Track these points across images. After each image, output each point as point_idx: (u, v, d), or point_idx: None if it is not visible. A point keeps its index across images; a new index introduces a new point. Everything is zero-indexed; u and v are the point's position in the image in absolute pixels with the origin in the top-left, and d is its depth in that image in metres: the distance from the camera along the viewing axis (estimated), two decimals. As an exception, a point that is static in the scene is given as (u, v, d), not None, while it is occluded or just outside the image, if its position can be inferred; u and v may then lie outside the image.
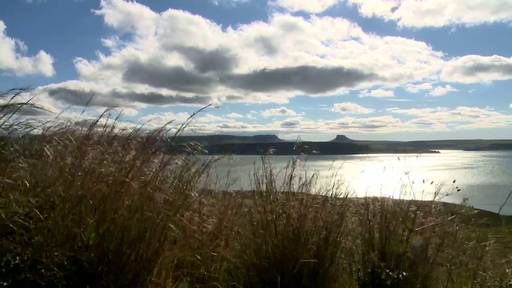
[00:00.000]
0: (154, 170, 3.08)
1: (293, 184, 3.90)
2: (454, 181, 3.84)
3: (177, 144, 3.25)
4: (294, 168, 3.88)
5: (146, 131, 3.44)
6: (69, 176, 2.72)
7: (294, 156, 3.90)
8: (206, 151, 3.41)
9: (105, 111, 3.40)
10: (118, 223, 2.66)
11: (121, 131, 3.60)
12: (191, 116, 3.15)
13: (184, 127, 3.15)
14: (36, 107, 2.84)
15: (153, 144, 3.26)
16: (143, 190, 2.82)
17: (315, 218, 3.67)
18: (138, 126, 3.55)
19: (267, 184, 3.82)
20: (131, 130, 3.58)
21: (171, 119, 3.25)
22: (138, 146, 3.21)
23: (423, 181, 3.81)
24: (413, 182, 3.78)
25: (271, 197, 3.75)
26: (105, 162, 2.92)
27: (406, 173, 3.81)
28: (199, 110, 3.21)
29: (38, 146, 2.94)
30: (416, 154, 4.40)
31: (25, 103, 2.83)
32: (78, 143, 3.03)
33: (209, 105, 3.30)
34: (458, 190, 3.81)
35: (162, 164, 3.09)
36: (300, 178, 3.93)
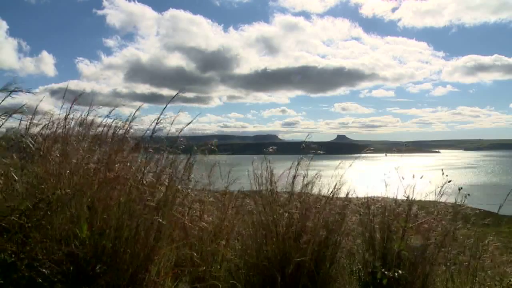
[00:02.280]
0: (144, 167, 3.08)
1: (294, 184, 3.89)
2: (449, 181, 3.83)
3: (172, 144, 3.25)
4: (297, 168, 3.87)
5: (143, 130, 3.44)
6: (60, 174, 2.72)
7: (300, 156, 3.89)
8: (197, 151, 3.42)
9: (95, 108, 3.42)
10: (111, 221, 2.66)
11: (119, 130, 3.60)
12: (161, 113, 3.19)
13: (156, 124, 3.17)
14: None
15: (145, 142, 3.26)
16: (132, 187, 2.81)
17: (316, 218, 3.66)
18: (137, 126, 3.54)
19: (267, 184, 3.81)
20: (132, 130, 3.58)
21: (171, 119, 3.25)
22: (131, 144, 3.21)
23: (421, 177, 3.83)
24: (402, 178, 3.78)
25: (272, 197, 3.74)
26: (94, 159, 2.91)
27: (396, 168, 3.82)
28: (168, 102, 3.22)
29: (36, 145, 2.95)
30: (416, 154, 4.38)
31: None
32: (75, 142, 3.03)
33: (179, 92, 3.32)
34: (449, 181, 3.81)
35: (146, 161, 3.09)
36: (303, 177, 3.92)
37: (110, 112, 3.55)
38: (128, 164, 3.01)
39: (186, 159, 3.41)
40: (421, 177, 3.85)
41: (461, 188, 3.93)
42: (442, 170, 3.75)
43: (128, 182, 2.82)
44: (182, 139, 3.29)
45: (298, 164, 3.85)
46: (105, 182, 2.72)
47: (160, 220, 2.80)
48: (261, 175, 3.82)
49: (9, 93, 2.80)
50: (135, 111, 3.35)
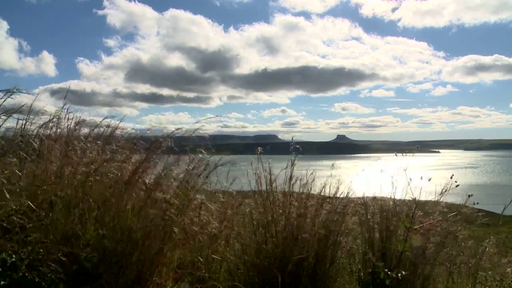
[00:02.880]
0: (158, 171, 3.07)
1: (292, 184, 3.88)
2: (457, 185, 3.82)
3: (182, 145, 3.24)
4: (293, 168, 3.86)
5: (148, 131, 3.44)
6: (62, 174, 2.71)
7: (292, 157, 3.88)
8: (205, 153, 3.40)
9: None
10: (122, 224, 2.65)
11: (121, 131, 3.59)
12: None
13: (193, 133, 3.17)
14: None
15: (156, 145, 3.24)
16: (147, 192, 2.81)
17: (315, 218, 3.66)
18: (140, 126, 3.53)
19: (266, 184, 3.80)
20: (133, 130, 3.58)
21: (171, 118, 3.24)
22: (141, 147, 3.20)
23: (429, 179, 3.82)
24: (410, 179, 3.77)
25: (271, 197, 3.74)
26: (105, 164, 2.90)
27: (404, 170, 3.81)
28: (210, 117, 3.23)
29: (35, 145, 2.93)
30: (414, 154, 4.36)
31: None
32: (79, 143, 3.02)
33: (216, 116, 3.32)
34: (457, 185, 3.80)
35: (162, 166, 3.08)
36: (300, 178, 3.91)
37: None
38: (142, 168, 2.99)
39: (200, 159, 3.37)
40: (429, 180, 3.83)
41: (458, 184, 3.90)
42: (451, 176, 3.73)
43: (142, 184, 2.82)
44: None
45: (293, 164, 3.85)
46: (119, 183, 2.71)
47: (176, 229, 2.80)
48: (259, 175, 3.82)
49: (10, 94, 2.80)
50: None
